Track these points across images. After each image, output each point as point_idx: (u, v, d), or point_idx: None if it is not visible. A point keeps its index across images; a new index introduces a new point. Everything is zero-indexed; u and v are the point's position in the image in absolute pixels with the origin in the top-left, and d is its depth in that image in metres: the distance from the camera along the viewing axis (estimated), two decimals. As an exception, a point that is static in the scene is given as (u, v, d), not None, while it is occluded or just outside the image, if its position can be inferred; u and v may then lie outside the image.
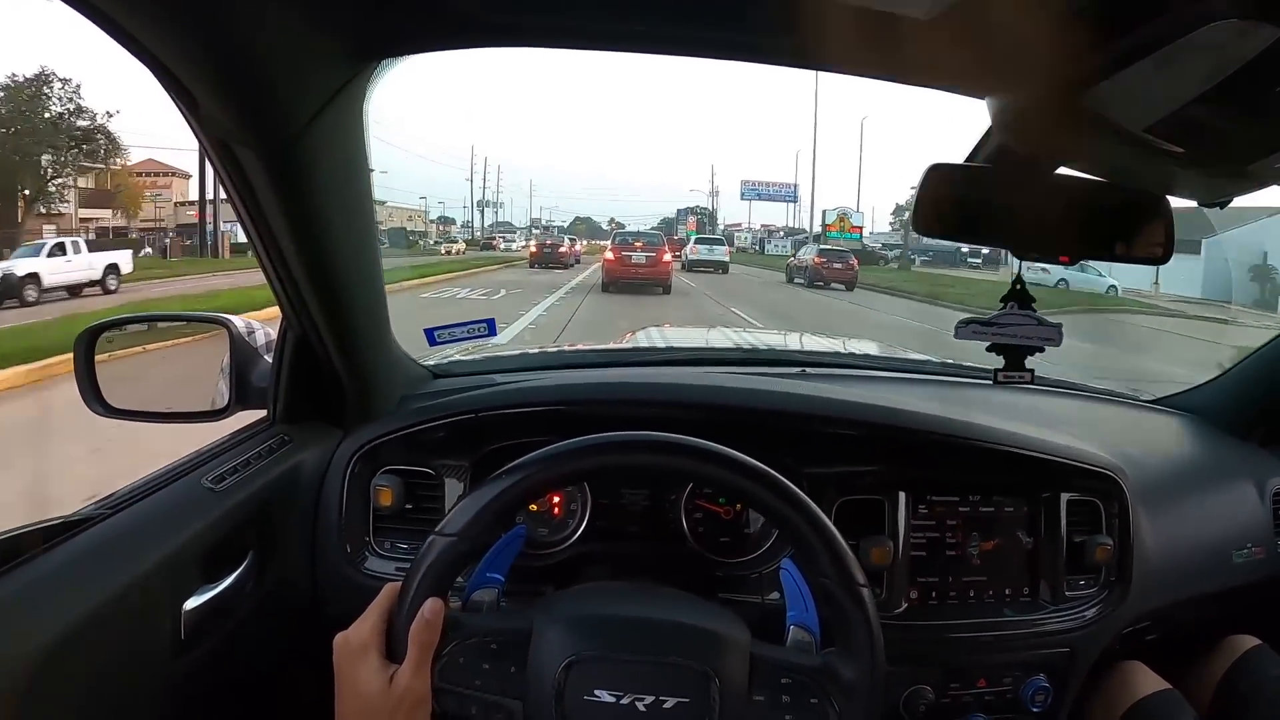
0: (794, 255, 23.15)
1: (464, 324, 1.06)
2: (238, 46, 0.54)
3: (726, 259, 21.47)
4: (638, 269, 13.14)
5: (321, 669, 0.61)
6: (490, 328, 1.08)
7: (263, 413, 0.93)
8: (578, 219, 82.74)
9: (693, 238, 26.54)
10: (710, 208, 60.98)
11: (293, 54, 0.58)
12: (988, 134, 0.81)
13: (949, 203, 0.80)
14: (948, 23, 0.57)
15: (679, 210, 61.82)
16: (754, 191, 47.57)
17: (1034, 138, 0.74)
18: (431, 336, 1.04)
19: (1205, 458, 1.22)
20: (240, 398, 0.92)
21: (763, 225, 51.99)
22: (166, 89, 0.57)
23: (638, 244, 13.70)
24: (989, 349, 0.88)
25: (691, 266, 20.61)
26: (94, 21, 0.48)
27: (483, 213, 55.35)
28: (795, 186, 45.52)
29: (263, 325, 0.96)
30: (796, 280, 18.83)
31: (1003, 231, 0.83)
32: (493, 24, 0.65)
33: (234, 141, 0.62)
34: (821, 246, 21.62)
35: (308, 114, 0.62)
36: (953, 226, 0.83)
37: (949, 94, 0.75)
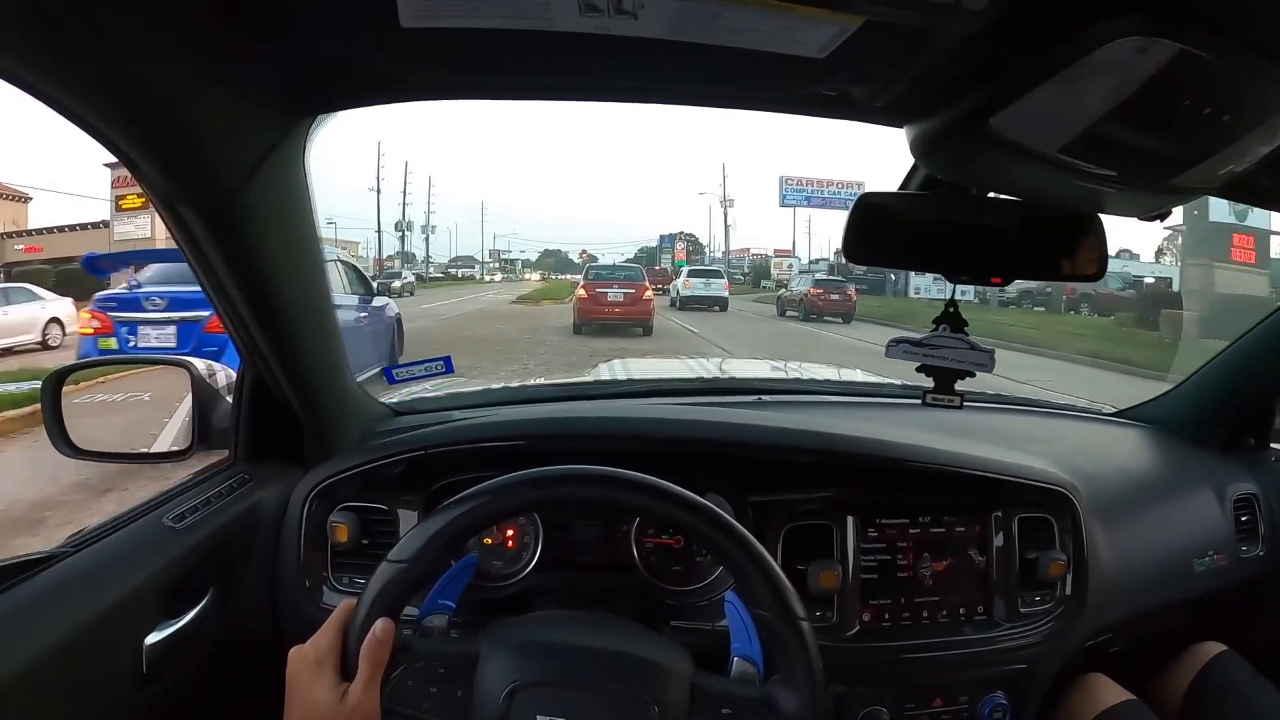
0: (785, 289, 21.18)
1: (422, 361, 1.09)
2: (167, 115, 0.56)
3: (726, 294, 18.14)
4: (614, 308, 11.24)
5: (281, 702, 0.62)
6: (447, 365, 1.10)
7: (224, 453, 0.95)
8: (545, 252, 75.70)
9: (683, 269, 22.62)
10: (701, 235, 54.00)
11: (221, 118, 0.60)
12: (917, 163, 0.83)
13: (880, 230, 0.82)
14: (842, 59, 0.58)
15: (662, 236, 52.93)
16: (800, 194, 33.04)
17: (952, 164, 0.76)
18: (390, 375, 1.06)
19: (1164, 468, 1.23)
20: (202, 438, 0.94)
21: (751, 251, 47.05)
22: (112, 154, 0.60)
23: (614, 281, 11.92)
24: (918, 369, 0.89)
25: (685, 304, 17.57)
26: (30, 94, 0.50)
27: (404, 238, 42.45)
28: (860, 186, 27.53)
29: (223, 366, 0.98)
30: (789, 313, 17.40)
31: (934, 256, 0.85)
32: (414, 82, 0.68)
33: (175, 201, 0.65)
34: (817, 277, 19.80)
35: (243, 171, 0.65)
36: (883, 253, 0.85)
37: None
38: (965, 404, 1.22)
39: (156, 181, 0.62)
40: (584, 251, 60.25)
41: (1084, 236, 0.85)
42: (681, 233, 52.86)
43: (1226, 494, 1.18)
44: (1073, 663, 1.01)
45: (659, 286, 23.81)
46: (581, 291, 11.81)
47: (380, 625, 0.60)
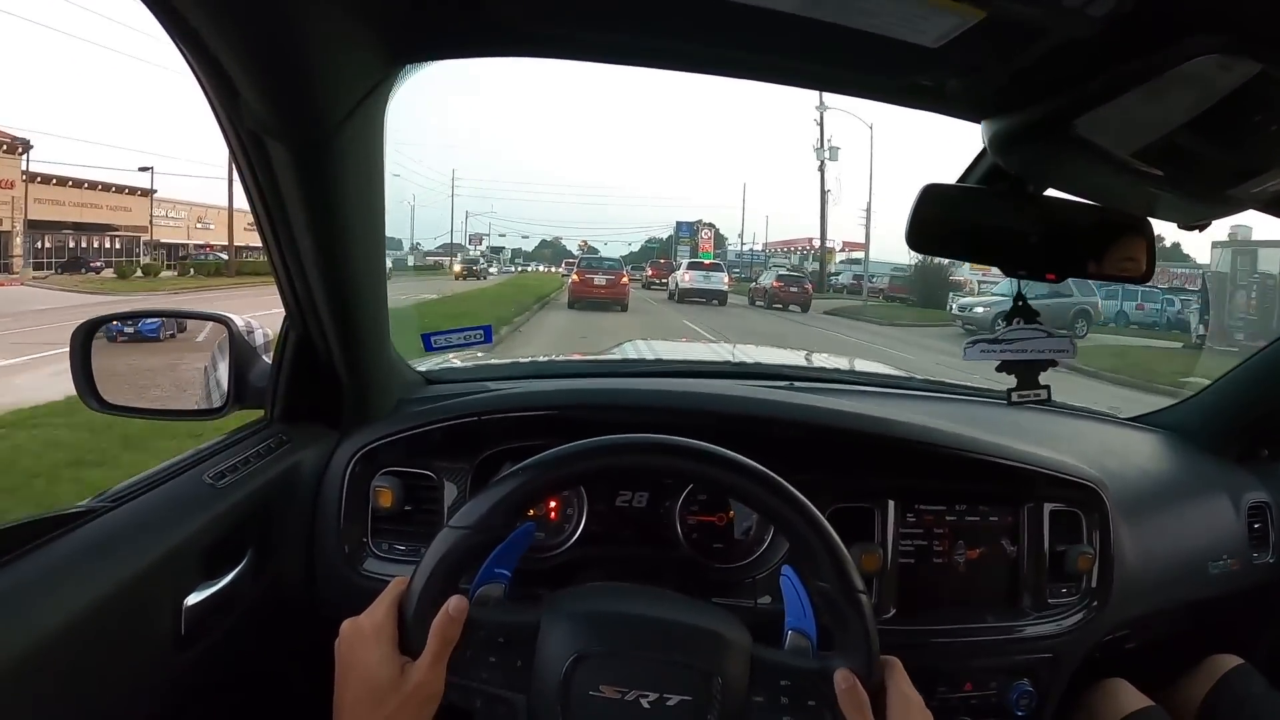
0: (754, 282, 22.68)
1: (461, 330, 1.07)
2: (283, 37, 0.54)
3: (725, 288, 18.80)
4: (599, 290, 15.47)
5: (318, 667, 0.62)
6: (487, 334, 1.09)
7: (258, 413, 0.93)
8: (544, 242, 72.14)
9: (683, 263, 22.50)
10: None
11: (335, 49, 0.59)
12: (981, 155, 0.84)
13: (940, 222, 0.83)
14: (952, 50, 0.59)
15: (680, 224, 47.59)
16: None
17: (1026, 161, 0.77)
18: (429, 342, 1.05)
19: (1182, 473, 1.25)
20: (238, 396, 0.92)
21: (813, 242, 38.84)
22: (202, 77, 0.58)
23: (599, 270, 16.40)
24: (998, 369, 0.89)
25: (683, 297, 18.33)
26: (150, 8, 0.49)
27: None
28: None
29: (260, 325, 0.96)
30: (758, 303, 19.67)
31: (992, 250, 0.86)
32: (528, 34, 0.67)
33: (268, 135, 0.63)
34: (780, 272, 21.65)
35: (343, 111, 0.63)
36: (943, 244, 0.86)
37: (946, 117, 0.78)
38: (994, 401, 1.24)
39: (258, 112, 0.60)
40: (584, 241, 56.44)
41: (1134, 238, 0.87)
42: (700, 221, 47.60)
43: (1241, 501, 1.21)
44: (1092, 657, 1.03)
45: (662, 280, 23.96)
46: (575, 278, 16.31)
47: (454, 602, 0.59)
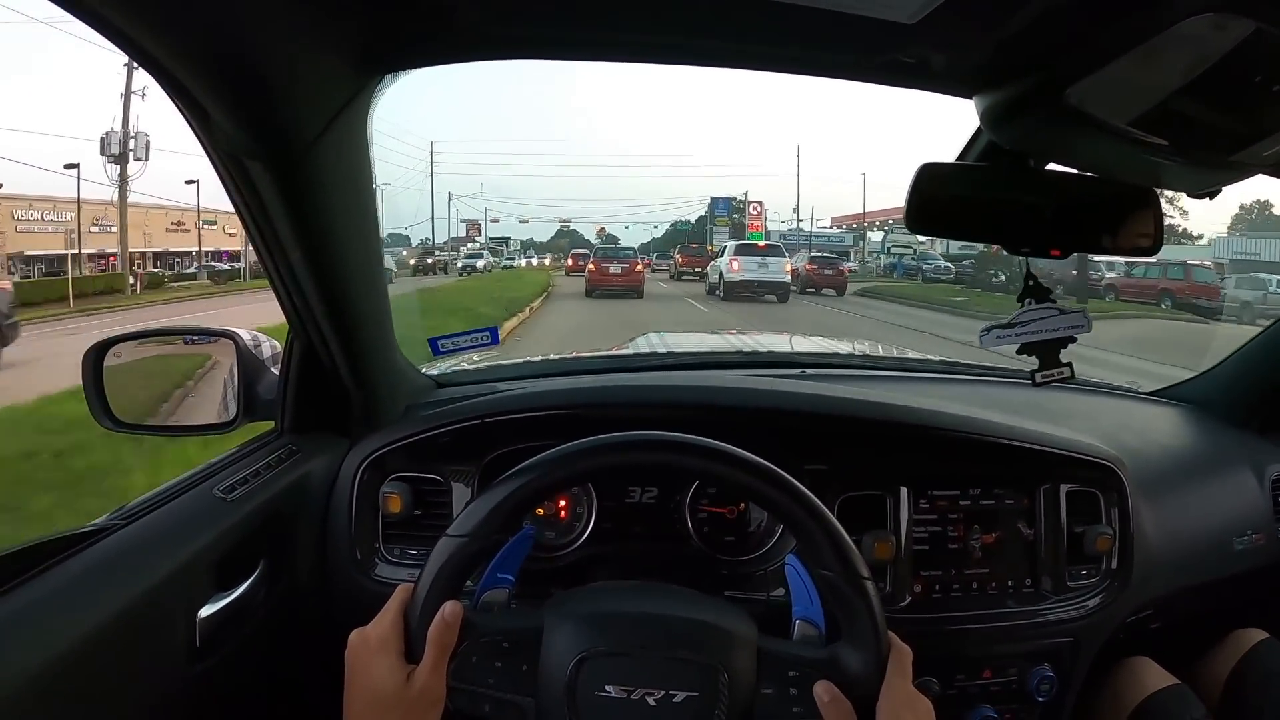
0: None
1: (467, 332, 1.08)
2: (249, 59, 0.55)
3: (787, 278, 14.79)
4: (615, 278, 15.66)
5: (333, 675, 0.62)
6: (493, 336, 1.09)
7: (268, 425, 0.94)
8: (561, 231, 65.14)
9: (730, 245, 17.02)
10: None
11: (303, 67, 0.59)
12: (977, 132, 0.82)
13: (940, 201, 0.82)
14: (931, 25, 0.58)
15: (715, 200, 40.03)
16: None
17: (1022, 134, 0.76)
18: (436, 346, 1.06)
19: (1204, 447, 1.23)
20: (248, 409, 0.94)
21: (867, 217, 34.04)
22: (175, 102, 0.59)
23: (615, 259, 16.63)
24: (1019, 352, 0.88)
25: (730, 293, 14.54)
26: (106, 36, 0.49)
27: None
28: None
29: (268, 338, 0.97)
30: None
31: (994, 228, 0.84)
32: (499, 36, 0.67)
33: (245, 155, 0.64)
34: (812, 254, 19.99)
35: (318, 126, 0.64)
36: (944, 224, 0.85)
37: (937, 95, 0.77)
38: (1010, 381, 1.22)
39: (232, 135, 0.60)
40: (601, 228, 53.92)
41: (1141, 210, 0.85)
42: (736, 199, 39.87)
43: (1265, 474, 1.18)
44: (1115, 638, 1.01)
45: (696, 269, 20.99)
46: (591, 266, 16.45)
47: (449, 608, 0.59)
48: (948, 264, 23.96)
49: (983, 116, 0.74)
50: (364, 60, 0.65)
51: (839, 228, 37.79)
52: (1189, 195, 0.87)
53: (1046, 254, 0.85)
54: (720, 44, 0.70)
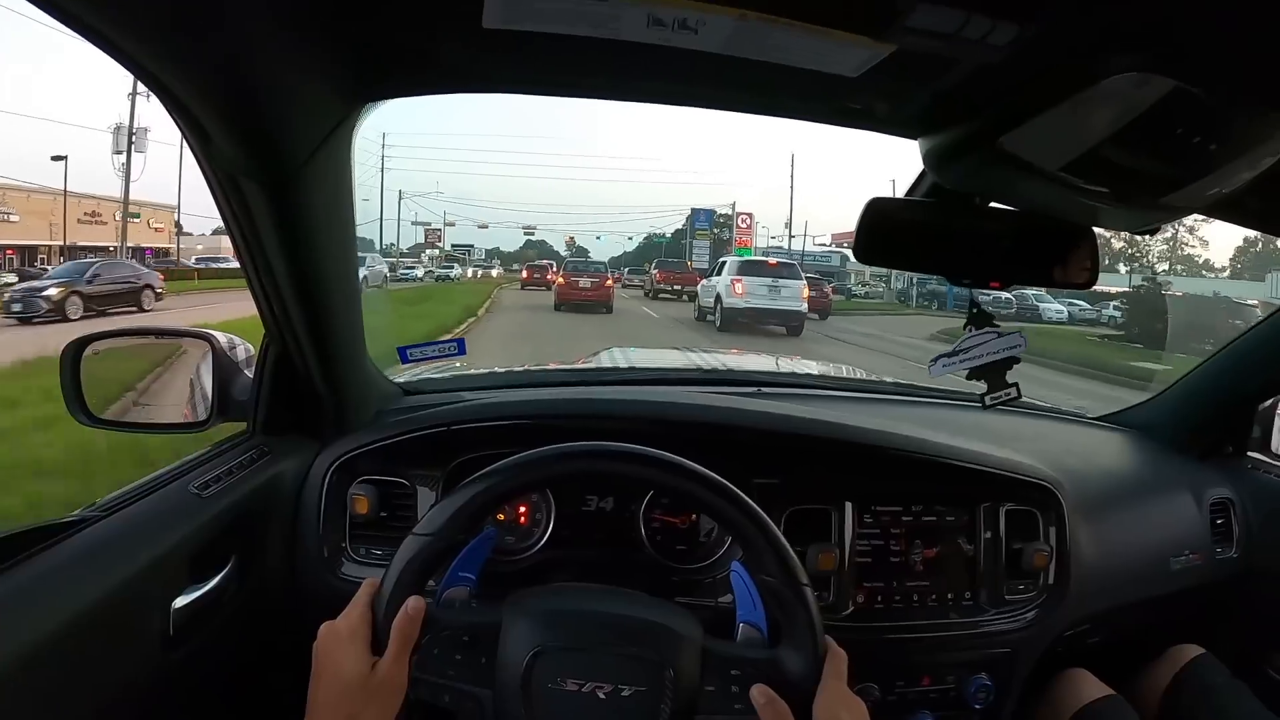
0: None
1: (435, 343, 1.13)
2: (249, 88, 0.59)
3: (802, 307, 11.95)
4: (584, 293, 15.42)
5: (298, 664, 0.65)
6: (460, 347, 1.14)
7: (241, 425, 0.97)
8: (529, 241, 61.91)
9: (731, 261, 13.48)
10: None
11: (298, 95, 0.64)
12: (924, 171, 0.87)
13: (886, 233, 0.86)
14: (873, 78, 0.63)
15: (696, 211, 36.31)
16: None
17: (962, 176, 0.80)
18: (405, 354, 1.09)
19: (1145, 471, 1.28)
20: (221, 410, 0.96)
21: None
22: (179, 124, 0.63)
23: (584, 273, 16.45)
24: (968, 376, 0.93)
25: (730, 322, 11.58)
26: (117, 60, 0.53)
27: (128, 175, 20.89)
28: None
29: (243, 341, 1.00)
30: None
31: (938, 260, 0.89)
32: (480, 73, 0.72)
33: (241, 174, 0.68)
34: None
35: (307, 151, 0.68)
36: (890, 255, 0.89)
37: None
38: (962, 404, 1.27)
39: (230, 155, 0.64)
40: (570, 238, 52.78)
41: (1078, 247, 0.90)
42: (719, 211, 36.13)
43: (1204, 497, 1.24)
44: (1053, 651, 1.06)
45: (676, 287, 18.97)
46: (561, 279, 16.36)
47: (412, 602, 0.63)
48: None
49: (925, 158, 0.79)
50: (353, 87, 0.69)
51: (840, 245, 33.57)
52: (1132, 233, 0.92)
53: (986, 285, 0.89)
54: (684, 87, 0.75)
